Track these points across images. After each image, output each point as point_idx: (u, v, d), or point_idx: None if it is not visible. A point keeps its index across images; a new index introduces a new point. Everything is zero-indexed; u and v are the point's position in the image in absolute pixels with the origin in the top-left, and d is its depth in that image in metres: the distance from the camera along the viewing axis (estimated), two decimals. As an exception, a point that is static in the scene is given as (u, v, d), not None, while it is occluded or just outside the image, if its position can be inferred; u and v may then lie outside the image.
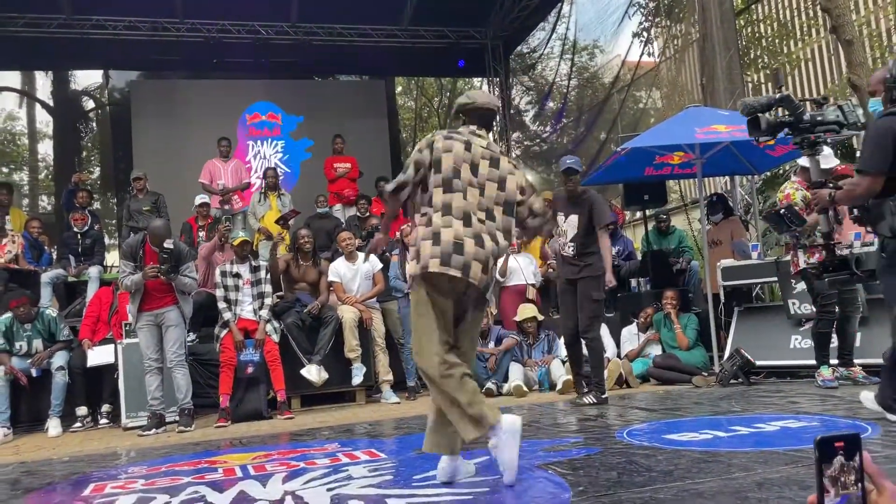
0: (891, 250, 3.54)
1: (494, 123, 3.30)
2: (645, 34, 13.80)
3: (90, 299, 6.79)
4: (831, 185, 3.87)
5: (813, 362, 5.58)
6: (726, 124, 6.39)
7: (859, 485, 0.92)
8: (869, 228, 3.77)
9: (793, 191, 5.52)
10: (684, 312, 7.02)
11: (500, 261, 7.59)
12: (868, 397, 3.86)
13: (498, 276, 7.53)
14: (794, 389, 5.49)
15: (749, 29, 16.27)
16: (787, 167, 10.45)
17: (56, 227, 11.07)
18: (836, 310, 5.42)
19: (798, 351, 6.35)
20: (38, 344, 6.22)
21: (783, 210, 4.66)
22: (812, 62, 26.72)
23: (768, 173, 10.07)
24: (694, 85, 13.20)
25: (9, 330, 6.13)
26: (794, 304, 6.42)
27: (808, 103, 4.16)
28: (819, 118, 3.77)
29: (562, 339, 7.05)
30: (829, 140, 3.89)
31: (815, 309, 5.62)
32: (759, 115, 3.88)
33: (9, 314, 6.18)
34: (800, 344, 6.37)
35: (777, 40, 17.04)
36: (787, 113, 3.86)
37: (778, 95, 3.94)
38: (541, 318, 7.22)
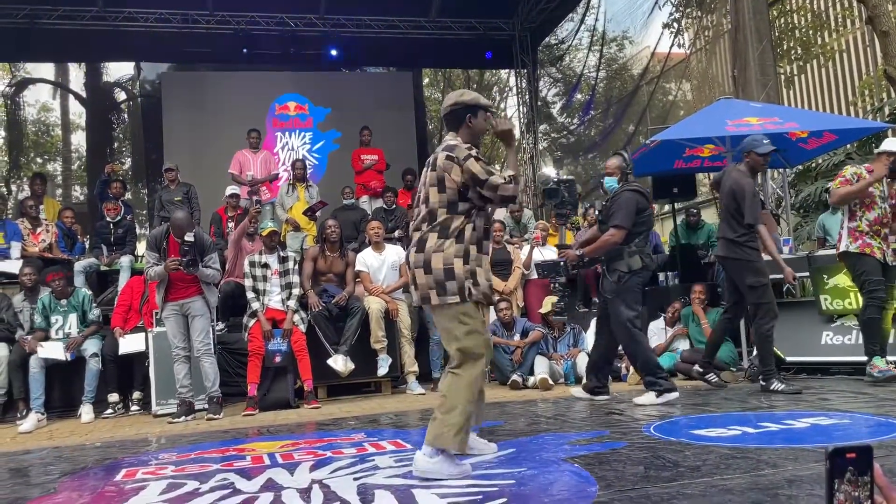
0: (624, 283, 4.98)
1: (469, 118, 3.31)
2: (675, 25, 13.63)
3: (122, 288, 6.91)
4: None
5: (845, 359, 5.49)
6: (758, 116, 6.30)
7: (870, 499, 0.90)
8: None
9: (858, 169, 5.46)
10: (713, 307, 6.95)
11: (524, 252, 7.58)
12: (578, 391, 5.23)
13: (523, 268, 7.52)
14: (824, 386, 5.40)
15: (782, 19, 15.99)
16: (820, 160, 10.28)
17: (88, 217, 11.26)
18: (885, 296, 5.30)
19: (829, 347, 6.25)
20: (72, 319, 6.37)
21: (562, 183, 5.29)
22: (847, 54, 26.20)
23: (800, 167, 9.92)
24: (725, 77, 13.03)
25: (46, 308, 6.32)
26: (825, 299, 6.32)
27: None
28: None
29: (588, 332, 7.05)
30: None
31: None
32: (557, 188, 5.20)
33: (48, 292, 6.35)
34: (831, 340, 6.27)
35: (811, 31, 16.73)
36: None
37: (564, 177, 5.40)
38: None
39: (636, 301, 5.08)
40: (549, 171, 6.00)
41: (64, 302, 6.42)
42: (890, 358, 5.42)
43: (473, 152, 3.23)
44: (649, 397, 4.97)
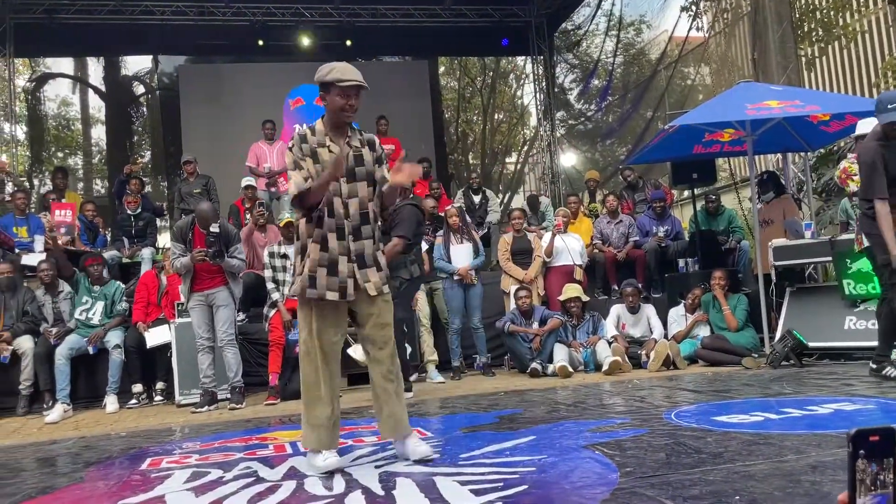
0: (404, 290, 5.43)
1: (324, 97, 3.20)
2: (693, 8, 13.45)
3: (137, 286, 6.96)
4: None
5: (868, 344, 5.41)
6: (779, 100, 6.21)
7: (893, 483, 0.88)
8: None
9: (849, 164, 5.37)
10: (734, 293, 6.89)
11: (545, 240, 7.56)
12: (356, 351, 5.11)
13: (544, 255, 7.50)
14: (848, 371, 5.35)
15: (803, 1, 15.72)
16: (842, 143, 10.12)
17: (110, 210, 11.37)
18: None
19: (852, 332, 6.19)
20: (98, 307, 6.48)
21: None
22: (868, 34, 25.73)
23: (822, 150, 9.77)
24: (744, 60, 12.84)
25: (82, 289, 6.54)
26: (849, 283, 6.25)
27: None
28: None
29: (608, 320, 7.03)
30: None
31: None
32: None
33: (115, 283, 6.70)
34: (854, 325, 6.21)
35: (832, 12, 16.43)
36: None
37: None
38: (586, 298, 7.16)
39: (408, 306, 5.69)
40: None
41: (97, 288, 6.57)
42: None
43: (291, 143, 3.18)
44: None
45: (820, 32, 16.20)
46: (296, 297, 3.22)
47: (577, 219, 8.50)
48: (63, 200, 8.33)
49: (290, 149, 3.16)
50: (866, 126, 5.36)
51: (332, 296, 3.10)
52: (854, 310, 6.26)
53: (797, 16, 14.27)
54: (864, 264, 5.89)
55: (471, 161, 21.00)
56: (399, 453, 3.24)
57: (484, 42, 13.63)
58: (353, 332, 6.38)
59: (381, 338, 3.22)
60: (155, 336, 6.45)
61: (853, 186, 5.28)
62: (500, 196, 17.76)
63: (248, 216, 8.30)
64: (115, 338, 6.39)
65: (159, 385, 6.61)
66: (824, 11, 16.42)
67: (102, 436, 4.82)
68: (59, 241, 7.47)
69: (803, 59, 15.73)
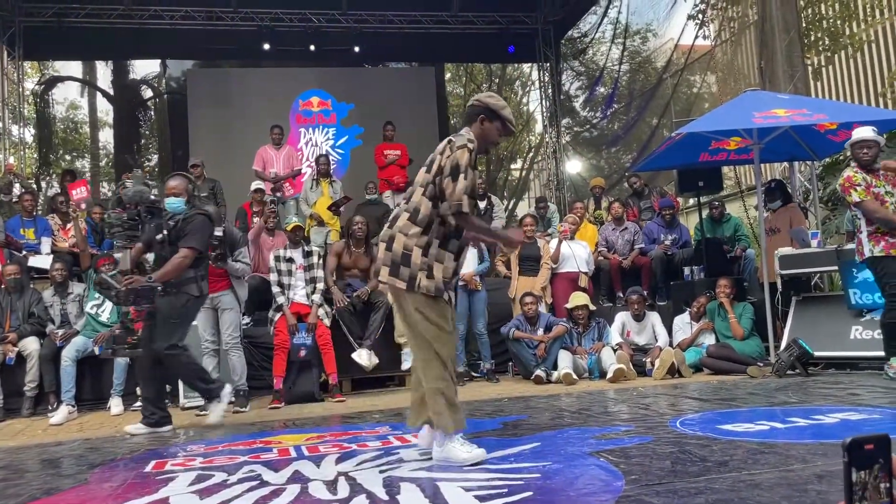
0: (190, 307, 4.88)
1: (482, 120, 3.32)
2: (700, 17, 13.46)
3: None
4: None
5: (875, 353, 5.41)
6: (786, 108, 6.20)
7: (890, 492, 0.88)
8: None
9: (852, 172, 5.35)
10: (739, 301, 6.88)
11: (552, 246, 7.56)
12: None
13: (550, 262, 7.49)
14: (854, 381, 5.33)
15: (810, 10, 15.71)
16: (849, 153, 10.11)
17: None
18: None
19: (859, 342, 6.16)
20: (109, 306, 6.47)
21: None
22: (875, 44, 25.71)
23: (829, 159, 9.75)
24: (751, 68, 12.84)
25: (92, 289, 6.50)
26: (855, 293, 6.23)
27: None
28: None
29: (612, 327, 7.02)
30: None
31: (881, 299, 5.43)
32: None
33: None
34: (860, 335, 6.18)
35: (839, 21, 16.42)
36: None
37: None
38: (592, 307, 7.15)
39: (187, 327, 5.03)
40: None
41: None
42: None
43: (471, 145, 3.21)
44: (138, 426, 4.85)
45: (827, 42, 16.20)
46: (432, 294, 3.22)
47: (582, 225, 8.50)
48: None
49: (470, 151, 3.19)
50: (862, 133, 5.37)
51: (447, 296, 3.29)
52: (860, 319, 6.24)
53: (804, 25, 14.28)
54: (869, 274, 5.87)
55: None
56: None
57: (490, 49, 13.67)
58: (358, 338, 6.44)
59: None
60: None
61: (855, 196, 5.27)
62: (505, 202, 17.76)
63: (255, 219, 8.31)
64: (120, 340, 6.39)
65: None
66: (831, 21, 16.42)
67: (107, 437, 4.83)
68: (81, 221, 7.47)
69: (810, 68, 15.73)
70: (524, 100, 21.98)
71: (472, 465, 3.10)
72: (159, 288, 4.71)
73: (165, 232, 4.85)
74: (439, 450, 3.22)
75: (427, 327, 3.21)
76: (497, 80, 20.54)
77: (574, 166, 15.18)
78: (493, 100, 3.36)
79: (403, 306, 3.29)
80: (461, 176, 3.13)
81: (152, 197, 4.95)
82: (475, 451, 3.17)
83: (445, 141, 3.32)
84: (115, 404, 6.21)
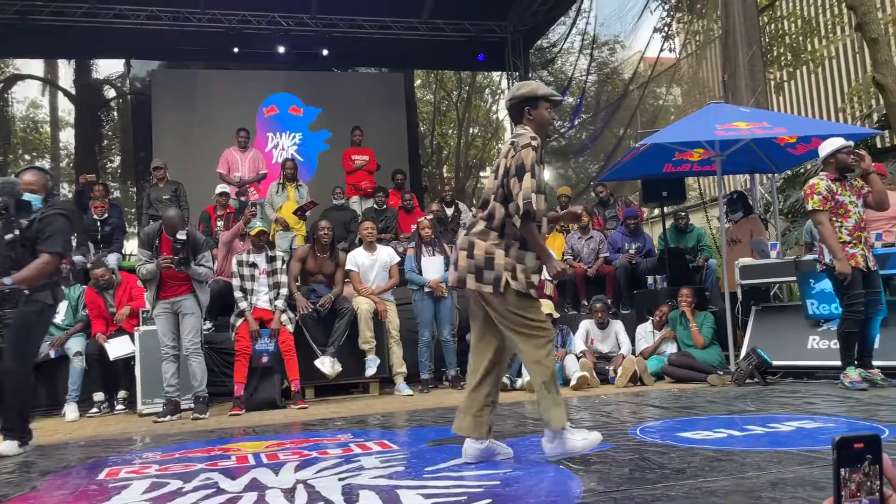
0: (45, 315, 4.42)
1: (528, 111, 3.30)
2: (666, 29, 13.69)
3: (85, 301, 6.67)
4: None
5: (831, 363, 5.51)
6: (747, 121, 6.32)
7: (878, 490, 0.89)
8: None
9: (817, 181, 5.45)
10: (701, 311, 6.97)
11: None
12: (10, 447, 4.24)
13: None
14: (810, 390, 5.43)
15: (773, 25, 16.09)
16: (809, 165, 10.34)
17: (76, 215, 11.17)
18: (863, 309, 5.31)
19: (816, 351, 6.28)
20: (63, 308, 6.37)
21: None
22: (836, 60, 26.38)
23: (789, 172, 9.97)
24: (715, 81, 13.08)
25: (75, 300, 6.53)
26: (812, 304, 6.36)
27: None
28: None
29: (576, 335, 7.06)
30: None
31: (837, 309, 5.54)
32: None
33: (81, 287, 6.61)
34: (817, 344, 6.31)
35: (801, 37, 16.83)
36: None
37: None
38: (556, 315, 7.19)
39: (42, 336, 4.60)
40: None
41: (62, 288, 6.40)
42: (876, 363, 5.46)
43: (535, 143, 3.20)
44: (11, 446, 4.29)
45: (789, 57, 16.60)
46: (523, 291, 3.20)
47: (550, 234, 8.55)
48: None
49: (535, 149, 3.16)
50: (828, 147, 5.48)
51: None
52: (817, 329, 6.36)
53: (767, 40, 14.60)
54: (827, 284, 6.00)
55: (445, 174, 21.06)
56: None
57: (460, 56, 13.72)
58: (322, 345, 6.38)
59: None
60: (116, 348, 6.31)
61: (810, 205, 5.38)
62: (473, 210, 17.79)
63: (219, 223, 8.20)
64: (76, 345, 6.26)
65: (121, 393, 6.48)
66: (793, 37, 16.83)
67: (60, 444, 4.71)
68: None
69: (772, 82, 16.08)
70: (493, 108, 22.11)
71: (559, 454, 3.22)
72: (26, 291, 4.21)
73: (17, 231, 4.27)
74: (551, 445, 3.24)
75: (525, 323, 3.20)
76: (467, 88, 20.63)
77: (541, 175, 15.27)
78: (524, 89, 3.35)
79: (496, 309, 3.22)
80: (527, 175, 3.12)
81: (20, 189, 4.37)
82: (591, 436, 3.24)
83: (508, 143, 3.32)
84: (71, 410, 6.08)
